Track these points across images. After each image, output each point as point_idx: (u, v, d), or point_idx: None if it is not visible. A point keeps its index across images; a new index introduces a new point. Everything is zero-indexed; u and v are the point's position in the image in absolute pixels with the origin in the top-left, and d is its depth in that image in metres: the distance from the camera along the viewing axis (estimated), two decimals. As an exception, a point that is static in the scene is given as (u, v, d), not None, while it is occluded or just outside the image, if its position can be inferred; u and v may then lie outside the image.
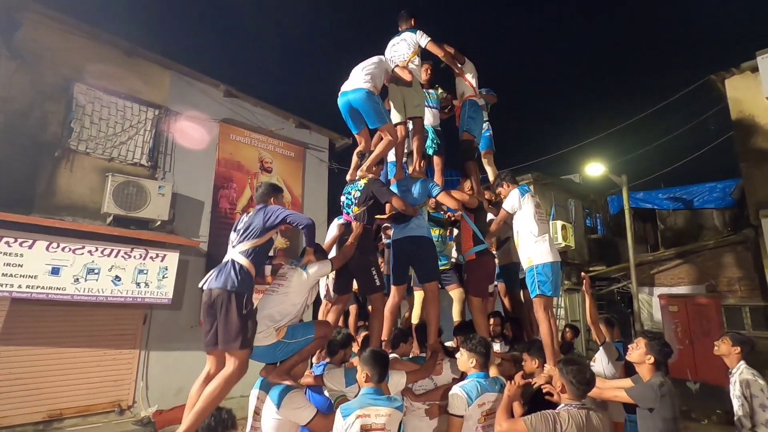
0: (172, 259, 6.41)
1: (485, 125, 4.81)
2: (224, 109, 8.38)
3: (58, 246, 5.51)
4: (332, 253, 3.57)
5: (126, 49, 7.13)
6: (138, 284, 6.05)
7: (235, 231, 2.76)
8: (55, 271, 5.43)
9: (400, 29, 4.29)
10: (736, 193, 9.52)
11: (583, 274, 4.00)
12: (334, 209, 5.56)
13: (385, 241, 4.50)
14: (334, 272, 3.71)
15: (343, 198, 3.59)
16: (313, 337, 2.72)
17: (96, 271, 5.73)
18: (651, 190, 11.53)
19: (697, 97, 8.65)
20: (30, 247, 5.32)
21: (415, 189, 3.69)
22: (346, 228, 3.49)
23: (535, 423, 2.15)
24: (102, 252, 5.84)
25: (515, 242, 3.71)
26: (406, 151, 4.27)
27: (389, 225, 4.35)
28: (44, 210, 6.02)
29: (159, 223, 6.74)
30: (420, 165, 3.91)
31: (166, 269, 6.32)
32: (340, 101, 3.61)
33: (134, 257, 6.09)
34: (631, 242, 8.74)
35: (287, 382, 2.63)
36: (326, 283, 4.35)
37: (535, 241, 3.45)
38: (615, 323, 4.08)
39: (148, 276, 6.15)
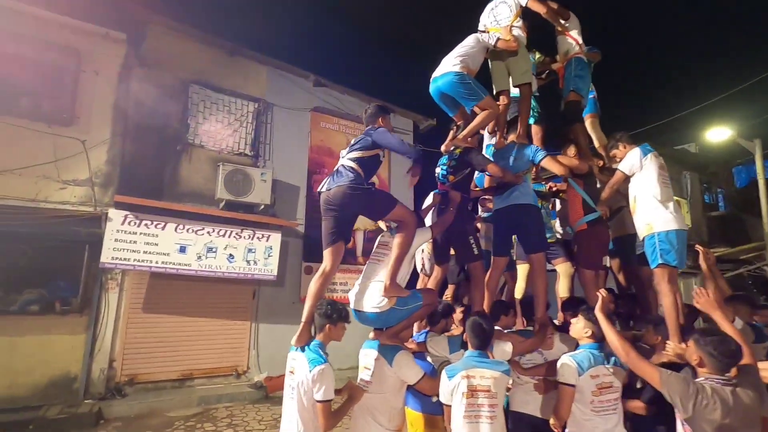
0: (276, 239, 6.96)
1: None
2: (314, 98, 8.79)
3: (184, 228, 6.29)
4: (428, 222, 3.58)
5: (229, 50, 7.79)
6: (248, 262, 6.67)
7: (347, 147, 2.96)
8: (182, 250, 6.21)
9: None
10: None
11: (698, 246, 3.47)
12: (420, 192, 5.56)
13: (483, 214, 4.41)
14: (430, 243, 3.72)
15: (438, 169, 3.57)
16: (421, 304, 2.77)
17: (214, 249, 6.43)
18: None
19: None
20: (163, 228, 6.14)
21: (517, 155, 3.53)
22: (442, 198, 3.47)
23: (671, 380, 1.96)
24: (218, 233, 6.53)
25: (632, 208, 3.37)
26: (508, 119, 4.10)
27: (489, 197, 4.25)
28: (171, 197, 6.87)
29: (262, 207, 7.35)
30: (523, 131, 3.74)
31: (271, 249, 6.88)
32: (431, 88, 3.56)
33: (244, 237, 6.72)
34: (767, 218, 7.52)
35: (397, 344, 2.72)
36: (422, 257, 4.39)
37: (657, 206, 3.10)
38: (754, 301, 3.56)
39: (256, 255, 6.76)
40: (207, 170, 7.32)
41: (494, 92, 3.98)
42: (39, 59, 5.49)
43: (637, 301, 4.09)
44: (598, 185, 3.80)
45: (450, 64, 3.46)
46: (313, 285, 2.73)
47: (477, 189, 3.94)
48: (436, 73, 3.53)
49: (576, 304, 3.58)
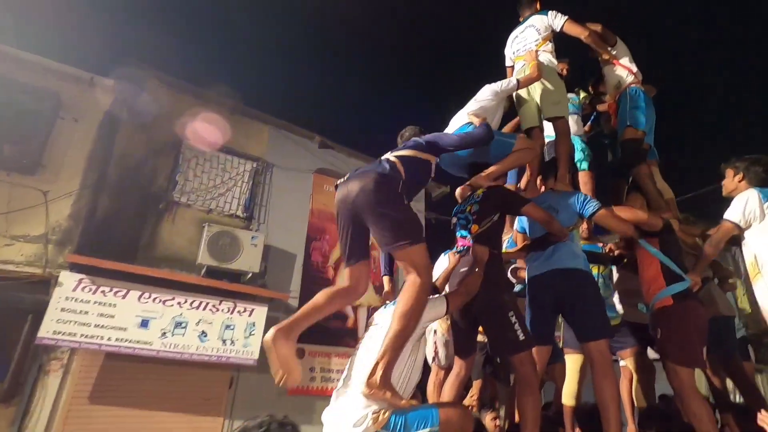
0: (260, 314, 5.85)
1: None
2: (318, 159, 8.22)
3: (150, 297, 5.27)
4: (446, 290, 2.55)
5: (230, 107, 7.39)
6: (224, 341, 5.51)
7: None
8: (144, 324, 5.13)
9: (521, 19, 3.47)
10: None
11: None
12: (434, 262, 4.59)
13: (516, 287, 3.34)
14: (447, 323, 2.64)
15: (454, 219, 2.63)
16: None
17: (183, 324, 5.34)
18: None
19: None
20: (124, 296, 5.13)
21: (560, 206, 2.61)
22: (462, 257, 2.48)
23: None
24: (191, 304, 5.48)
25: (752, 277, 2.34)
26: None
27: (522, 266, 3.24)
28: (146, 261, 5.96)
29: (250, 275, 6.36)
30: (566, 174, 2.83)
31: (254, 325, 5.74)
32: (443, 158, 2.69)
33: (222, 310, 5.65)
34: None
35: None
36: (434, 340, 3.27)
37: None
38: None
39: (235, 332, 5.61)
40: (192, 232, 6.48)
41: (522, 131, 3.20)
42: (9, 101, 4.98)
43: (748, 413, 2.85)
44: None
45: (461, 122, 2.72)
46: (319, 295, 2.15)
47: (507, 251, 2.96)
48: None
49: (661, 419, 2.45)
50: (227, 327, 5.60)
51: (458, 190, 2.80)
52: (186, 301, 5.45)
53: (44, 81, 5.25)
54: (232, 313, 5.69)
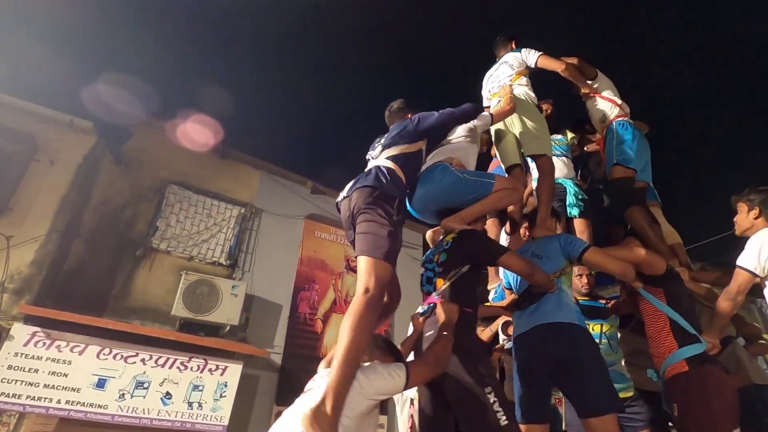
0: (234, 372, 5.29)
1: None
2: (310, 205, 7.95)
3: (111, 353, 4.79)
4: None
5: (220, 152, 7.27)
6: (190, 404, 4.93)
7: (372, 150, 2.35)
8: (100, 384, 4.61)
9: (497, 59, 3.27)
10: None
11: None
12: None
13: (506, 344, 2.83)
14: (417, 396, 2.17)
15: (422, 270, 2.20)
16: None
17: (145, 384, 4.81)
18: None
19: None
20: (81, 353, 4.67)
21: (544, 251, 2.21)
22: (428, 319, 2.04)
23: None
24: (156, 361, 4.97)
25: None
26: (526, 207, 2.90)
27: (508, 319, 2.77)
28: (116, 312, 5.55)
29: (228, 328, 5.88)
30: (547, 218, 2.45)
31: (225, 386, 5.18)
32: (412, 205, 2.40)
33: (191, 368, 5.11)
34: None
35: None
36: (410, 412, 2.75)
37: None
38: None
39: (204, 394, 5.04)
40: (170, 281, 6.09)
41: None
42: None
43: None
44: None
45: (437, 157, 2.41)
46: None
47: (490, 305, 2.51)
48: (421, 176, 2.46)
49: None
50: (195, 387, 5.04)
51: (428, 233, 2.42)
52: (151, 358, 4.95)
53: (20, 123, 5.15)
54: (201, 371, 5.15)
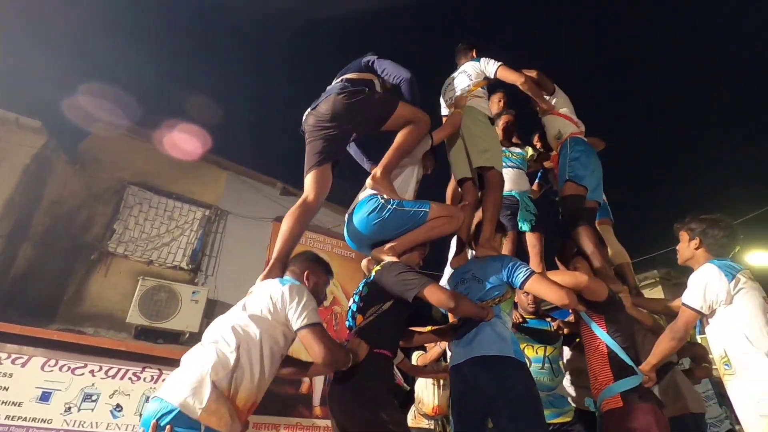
0: (190, 382, 5.13)
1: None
2: (279, 207, 7.76)
3: (57, 364, 4.57)
4: None
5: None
6: (142, 416, 4.76)
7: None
8: (44, 397, 4.40)
9: (458, 66, 3.18)
10: None
11: None
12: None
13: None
14: None
15: (351, 302, 2.14)
16: None
17: (94, 397, 4.61)
18: None
19: None
20: (23, 365, 4.44)
21: (484, 275, 2.14)
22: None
23: None
24: (106, 372, 4.78)
25: (720, 371, 1.86)
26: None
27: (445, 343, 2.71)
28: (68, 319, 5.34)
29: (187, 335, 5.71)
30: (491, 237, 2.37)
31: (181, 396, 5.01)
32: (347, 231, 2.37)
33: (144, 379, 4.93)
34: None
35: None
36: None
37: None
38: None
39: (157, 405, 4.87)
40: (127, 286, 5.87)
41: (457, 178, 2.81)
42: None
43: None
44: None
45: (366, 194, 2.31)
46: (287, 220, 2.19)
47: (426, 331, 2.43)
48: (349, 211, 2.37)
49: None
50: (149, 399, 4.87)
51: (363, 262, 2.33)
52: (100, 369, 4.75)
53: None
54: (156, 381, 4.98)
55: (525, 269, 2.06)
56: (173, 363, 5.20)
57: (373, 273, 2.01)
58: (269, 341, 1.63)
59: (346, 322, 2.05)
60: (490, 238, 2.27)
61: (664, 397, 2.42)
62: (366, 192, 2.25)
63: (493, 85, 3.01)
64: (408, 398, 3.96)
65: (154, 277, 5.88)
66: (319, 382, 6.90)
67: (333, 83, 2.49)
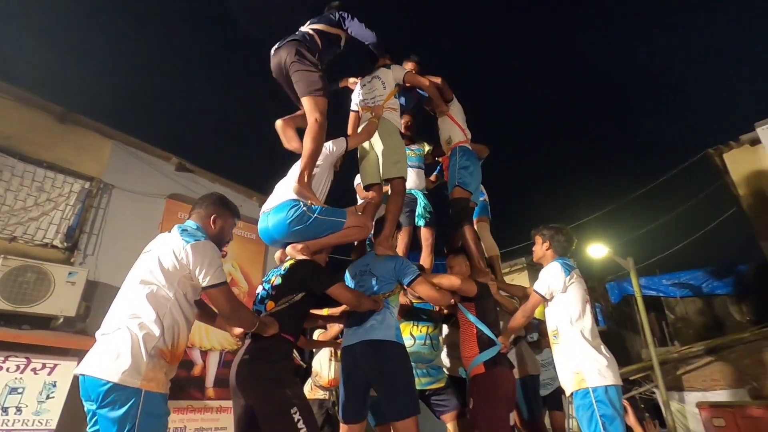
0: (66, 370, 4.74)
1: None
2: (174, 183, 7.31)
3: None
4: None
5: (59, 115, 6.18)
6: (5, 410, 4.30)
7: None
8: None
9: (373, 70, 3.41)
10: (752, 276, 8.56)
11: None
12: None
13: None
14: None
15: (259, 288, 2.31)
16: None
17: (-59, 392, 4.03)
18: (654, 276, 10.49)
19: (695, 173, 8.11)
20: None
21: (379, 271, 2.49)
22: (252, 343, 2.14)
23: None
24: (-43, 364, 4.19)
25: (552, 344, 2.48)
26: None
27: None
28: None
29: (62, 320, 5.21)
30: (390, 238, 2.73)
31: (54, 385, 4.62)
32: (261, 228, 2.50)
33: (7, 369, 4.43)
34: (650, 339, 7.43)
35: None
36: None
37: (589, 348, 2.23)
38: None
39: (24, 397, 4.43)
40: (-18, 266, 5.11)
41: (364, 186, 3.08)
42: None
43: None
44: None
45: (289, 191, 2.44)
46: (309, 141, 2.56)
47: (327, 313, 2.73)
48: (267, 207, 2.48)
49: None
50: (13, 391, 4.40)
51: (277, 254, 2.51)
52: (-51, 360, 4.15)
53: None
54: (22, 371, 4.50)
55: (413, 271, 2.46)
56: (45, 350, 4.78)
57: (286, 266, 2.21)
58: (182, 294, 1.82)
59: (254, 306, 2.21)
60: (389, 236, 2.63)
61: (513, 362, 3.08)
62: (287, 195, 2.40)
63: (405, 109, 3.37)
64: (306, 374, 4.25)
65: (18, 256, 5.20)
66: (213, 365, 6.83)
67: (300, 29, 2.93)
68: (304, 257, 2.24)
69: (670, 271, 10.40)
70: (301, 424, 1.80)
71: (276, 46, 2.79)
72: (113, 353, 1.64)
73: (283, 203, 2.37)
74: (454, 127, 3.40)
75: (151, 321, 1.70)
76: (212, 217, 2.04)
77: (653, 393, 7.89)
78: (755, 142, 6.99)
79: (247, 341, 2.04)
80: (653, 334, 11.33)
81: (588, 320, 2.46)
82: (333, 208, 2.46)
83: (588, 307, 2.52)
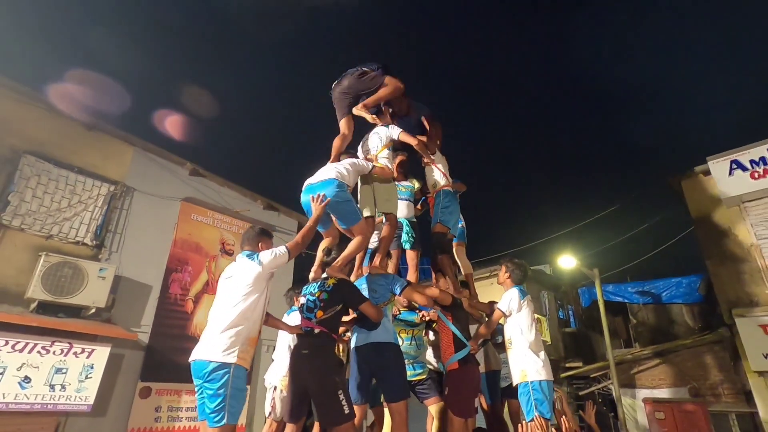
0: (101, 354, 5.49)
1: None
2: (188, 187, 7.99)
3: (-43, 339, 4.59)
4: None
5: (87, 123, 6.82)
6: (53, 387, 5.04)
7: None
8: (-55, 372, 4.44)
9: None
10: (703, 288, 9.58)
11: (558, 392, 3.51)
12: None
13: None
14: (285, 389, 3.06)
15: (302, 299, 3.08)
16: None
17: (0, 370, 4.75)
18: (621, 283, 11.54)
19: (658, 194, 9.07)
20: None
21: (378, 286, 3.30)
22: (301, 340, 2.94)
23: None
24: (13, 346, 4.91)
25: (507, 349, 3.33)
26: (371, 247, 3.94)
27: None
28: (-46, 293, 5.16)
29: (93, 310, 5.91)
30: (382, 261, 3.56)
31: (92, 368, 5.36)
32: (304, 197, 3.27)
33: (53, 353, 5.16)
34: (609, 341, 8.40)
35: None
36: (272, 396, 3.66)
37: (531, 353, 3.08)
38: None
39: (68, 376, 5.17)
40: (23, 260, 5.77)
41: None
42: None
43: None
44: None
45: (332, 172, 3.26)
46: (337, 144, 3.84)
47: (348, 319, 3.54)
48: (313, 180, 3.28)
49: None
50: (58, 371, 5.13)
51: (312, 272, 3.28)
52: (6, 343, 4.87)
53: None
54: (66, 354, 5.23)
55: (401, 282, 3.26)
56: (80, 336, 5.49)
57: (330, 284, 2.96)
58: (266, 297, 2.77)
59: (302, 314, 2.97)
60: (382, 260, 3.44)
61: (480, 360, 3.94)
62: (330, 173, 3.22)
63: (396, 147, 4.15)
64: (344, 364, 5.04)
65: (54, 252, 5.88)
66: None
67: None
68: (339, 276, 3.01)
69: (638, 281, 11.46)
70: (344, 403, 2.60)
71: (338, 80, 4.02)
72: (221, 341, 2.47)
73: (329, 178, 3.17)
74: (438, 174, 4.21)
75: (246, 319, 2.57)
76: (260, 244, 2.92)
77: (610, 389, 8.91)
78: (707, 173, 7.94)
79: (300, 338, 2.84)
80: (620, 336, 12.46)
81: (533, 333, 3.31)
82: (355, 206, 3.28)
83: (534, 324, 3.38)
